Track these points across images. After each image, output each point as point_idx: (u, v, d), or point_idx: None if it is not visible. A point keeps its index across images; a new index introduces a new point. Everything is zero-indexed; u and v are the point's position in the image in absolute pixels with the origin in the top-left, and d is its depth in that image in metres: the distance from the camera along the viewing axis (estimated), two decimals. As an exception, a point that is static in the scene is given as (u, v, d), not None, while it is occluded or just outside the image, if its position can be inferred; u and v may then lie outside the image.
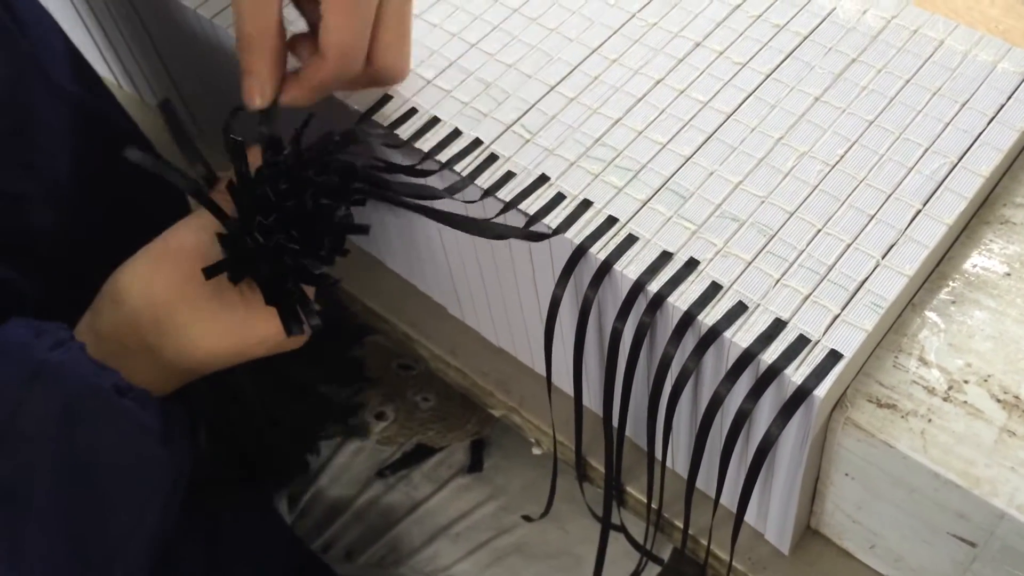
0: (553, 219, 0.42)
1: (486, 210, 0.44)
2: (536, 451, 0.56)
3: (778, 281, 0.39)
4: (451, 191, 0.44)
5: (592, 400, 0.51)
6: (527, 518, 0.63)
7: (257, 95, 0.43)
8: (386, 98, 0.47)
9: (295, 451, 0.61)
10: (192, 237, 0.41)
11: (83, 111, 0.49)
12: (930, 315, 0.40)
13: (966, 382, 0.38)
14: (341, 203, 0.42)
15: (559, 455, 0.53)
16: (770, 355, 0.37)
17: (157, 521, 0.41)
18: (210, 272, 0.40)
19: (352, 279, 0.60)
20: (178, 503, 0.43)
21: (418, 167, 0.45)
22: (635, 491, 0.51)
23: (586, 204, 0.42)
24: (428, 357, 0.58)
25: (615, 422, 0.45)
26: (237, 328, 0.41)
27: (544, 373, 0.48)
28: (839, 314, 0.38)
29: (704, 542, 0.48)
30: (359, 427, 0.67)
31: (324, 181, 0.41)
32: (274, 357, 0.50)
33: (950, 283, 0.41)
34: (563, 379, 0.51)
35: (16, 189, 0.45)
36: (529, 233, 0.41)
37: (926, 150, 0.42)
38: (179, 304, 0.40)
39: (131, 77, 0.71)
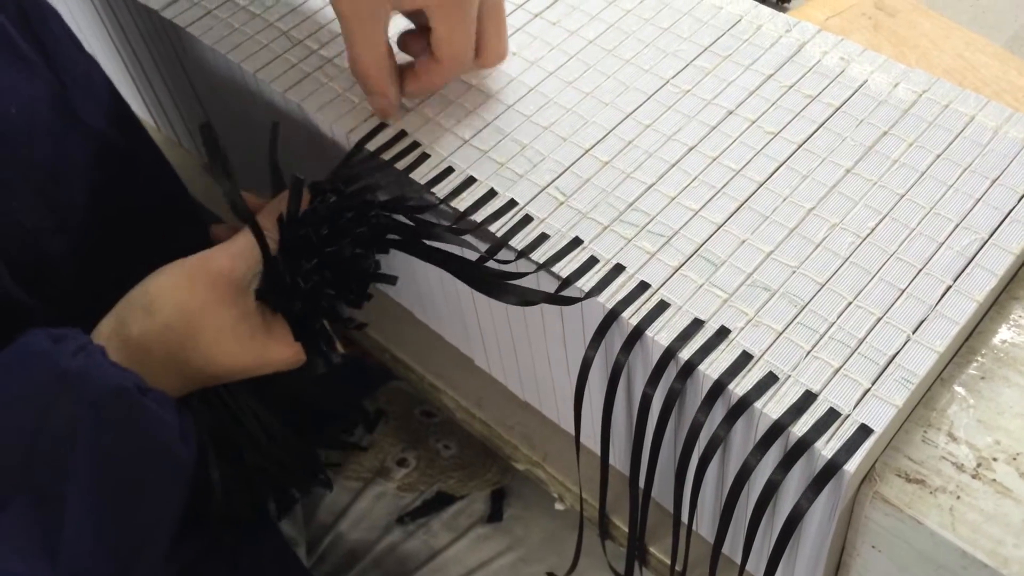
0: (585, 283, 0.42)
1: (519, 271, 0.44)
2: (559, 506, 0.56)
3: (809, 353, 0.39)
4: (490, 252, 0.44)
5: (618, 459, 0.51)
6: (551, 575, 0.63)
7: (389, 110, 0.49)
8: (424, 156, 0.48)
9: (298, 465, 0.61)
10: (231, 263, 0.44)
11: (111, 149, 0.51)
12: (959, 390, 0.40)
13: (995, 459, 0.38)
14: (372, 252, 0.46)
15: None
16: (800, 427, 0.37)
17: (176, 516, 0.43)
18: (257, 296, 0.44)
19: (379, 328, 0.61)
20: (188, 501, 0.44)
21: (454, 226, 0.46)
22: (658, 552, 0.51)
23: (619, 268, 0.43)
24: (453, 408, 0.59)
25: (641, 483, 0.45)
26: (257, 350, 0.44)
27: (570, 430, 0.48)
28: (869, 388, 0.38)
29: (726, 606, 0.48)
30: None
31: (361, 233, 0.44)
32: (286, 400, 0.52)
33: (979, 358, 0.41)
34: (588, 437, 0.52)
35: (34, 222, 0.46)
36: (559, 297, 0.42)
37: (957, 225, 0.43)
38: (211, 322, 0.43)
39: (169, 119, 0.72)
